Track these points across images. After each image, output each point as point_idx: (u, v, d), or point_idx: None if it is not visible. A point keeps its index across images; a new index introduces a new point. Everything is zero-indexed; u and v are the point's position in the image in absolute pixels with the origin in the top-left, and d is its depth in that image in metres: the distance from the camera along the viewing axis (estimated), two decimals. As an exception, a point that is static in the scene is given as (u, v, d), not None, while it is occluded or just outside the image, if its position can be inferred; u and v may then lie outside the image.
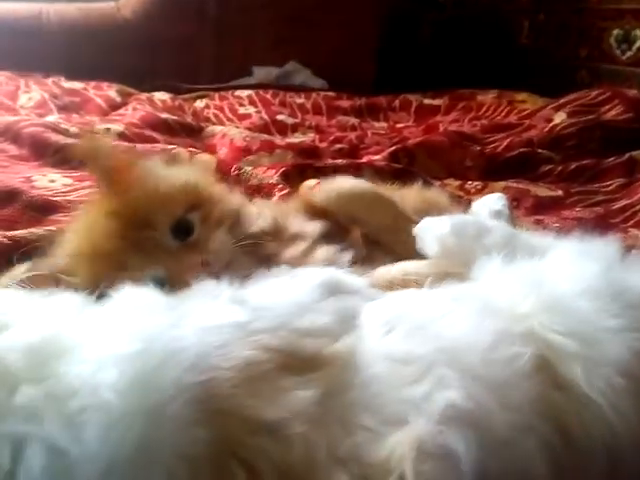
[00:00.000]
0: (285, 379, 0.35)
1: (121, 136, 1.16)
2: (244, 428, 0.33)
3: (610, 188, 1.07)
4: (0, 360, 0.33)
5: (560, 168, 1.13)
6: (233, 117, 1.53)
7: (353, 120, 1.58)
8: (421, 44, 2.11)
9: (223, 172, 0.96)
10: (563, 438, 0.36)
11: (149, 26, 1.82)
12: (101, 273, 0.46)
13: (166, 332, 0.35)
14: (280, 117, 1.50)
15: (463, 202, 0.99)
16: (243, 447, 0.32)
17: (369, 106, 1.69)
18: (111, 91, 1.49)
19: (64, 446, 0.30)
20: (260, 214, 0.58)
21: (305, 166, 1.05)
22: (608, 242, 0.49)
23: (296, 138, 1.41)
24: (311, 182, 0.96)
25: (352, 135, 1.39)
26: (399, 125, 1.59)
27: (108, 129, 1.19)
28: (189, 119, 1.41)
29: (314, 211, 0.60)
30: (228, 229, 0.52)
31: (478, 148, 1.21)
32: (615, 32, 1.72)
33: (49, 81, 1.52)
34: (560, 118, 1.28)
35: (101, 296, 0.40)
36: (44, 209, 0.72)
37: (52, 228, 0.62)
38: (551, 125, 1.26)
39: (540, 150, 1.18)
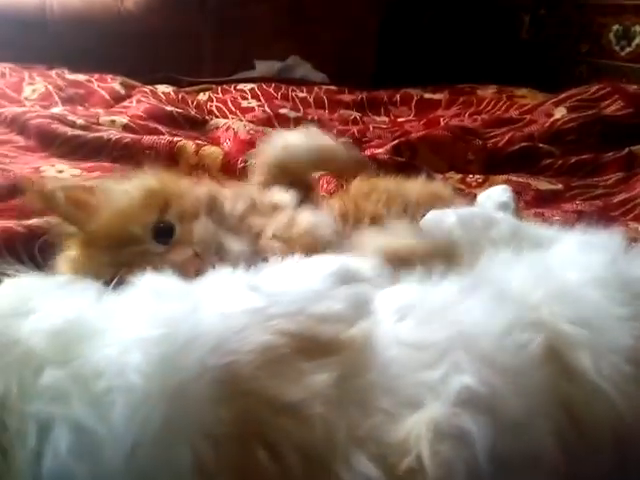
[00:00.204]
0: (303, 362, 0.36)
1: (126, 128, 1.17)
2: (265, 408, 0.34)
3: (609, 182, 1.09)
4: (25, 343, 0.34)
5: (560, 162, 1.15)
6: (236, 110, 1.53)
7: (355, 114, 1.59)
8: (421, 38, 2.11)
9: (229, 165, 0.97)
10: (573, 423, 0.37)
11: (151, 19, 1.82)
12: None
13: (187, 317, 0.36)
14: (283, 111, 1.51)
15: (465, 195, 1.01)
16: (265, 427, 0.33)
17: (370, 100, 1.69)
18: (115, 83, 1.49)
19: (91, 426, 0.31)
20: (236, 195, 0.59)
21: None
22: (612, 234, 0.50)
23: (298, 132, 1.42)
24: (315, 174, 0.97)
25: (354, 129, 1.40)
26: (400, 119, 1.60)
27: (113, 121, 1.19)
28: (193, 112, 1.41)
29: (278, 179, 0.62)
30: (207, 216, 0.52)
31: (480, 142, 1.22)
32: (615, 28, 1.73)
33: (53, 73, 1.52)
34: (560, 113, 1.29)
35: (119, 284, 0.41)
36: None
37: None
38: (552, 120, 1.27)
39: (541, 144, 1.20)
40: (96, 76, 1.54)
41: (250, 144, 1.20)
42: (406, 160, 1.12)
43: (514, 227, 0.53)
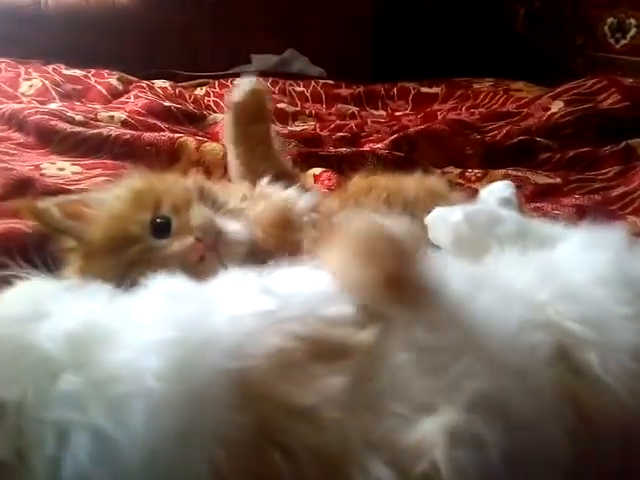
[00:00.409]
0: (315, 366, 0.36)
1: (125, 124, 1.16)
2: (280, 412, 0.34)
3: (607, 176, 1.10)
4: (41, 347, 0.34)
5: (558, 156, 1.15)
6: (233, 105, 1.53)
7: (352, 108, 1.59)
8: (417, 31, 2.11)
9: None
10: (582, 421, 0.37)
11: (147, 13, 1.81)
12: None
13: (200, 320, 0.36)
14: (281, 105, 1.51)
15: (464, 190, 1.01)
16: (279, 431, 0.33)
17: (367, 94, 1.70)
18: (112, 79, 1.49)
19: (109, 432, 0.31)
20: (226, 187, 0.62)
21: (310, 154, 1.07)
22: (615, 230, 0.50)
23: (297, 126, 1.42)
24: (316, 170, 0.97)
25: (352, 123, 1.40)
26: (398, 113, 1.60)
27: (112, 117, 1.19)
28: (190, 107, 1.41)
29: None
30: (200, 203, 0.54)
31: (478, 136, 1.22)
32: (609, 20, 1.74)
33: (49, 68, 1.51)
34: (557, 107, 1.30)
35: (129, 286, 0.42)
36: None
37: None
38: (549, 114, 1.27)
39: (538, 138, 1.20)
40: (93, 71, 1.53)
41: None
42: (405, 155, 1.13)
43: (519, 225, 0.54)
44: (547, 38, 1.91)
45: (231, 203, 0.56)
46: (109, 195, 0.53)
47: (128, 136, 1.02)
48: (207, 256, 0.48)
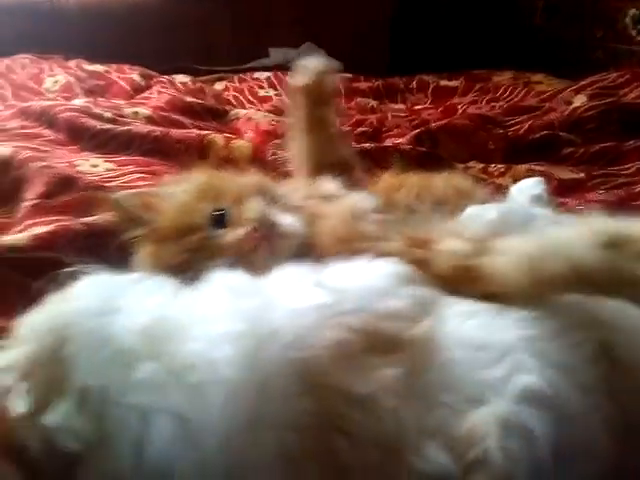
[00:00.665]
0: (371, 358, 0.38)
1: (149, 120, 1.18)
2: (340, 400, 0.36)
3: (630, 171, 1.10)
4: (118, 340, 0.36)
5: (581, 151, 1.15)
6: (253, 100, 1.54)
7: (372, 102, 1.59)
8: (434, 24, 2.11)
9: (258, 157, 0.99)
10: (623, 416, 0.39)
11: (165, 8, 1.83)
12: None
13: (262, 314, 0.38)
14: (301, 100, 1.52)
15: (487, 185, 1.02)
16: (341, 417, 0.36)
17: (387, 88, 1.70)
18: (134, 74, 1.50)
19: (188, 416, 0.33)
20: (287, 185, 0.63)
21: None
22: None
23: (317, 121, 1.43)
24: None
25: (373, 118, 1.41)
26: (417, 107, 1.60)
27: (136, 113, 1.21)
28: (212, 102, 1.42)
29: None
30: (258, 196, 0.56)
31: (500, 131, 1.23)
32: (631, 12, 1.73)
33: (71, 64, 1.53)
34: (580, 101, 1.30)
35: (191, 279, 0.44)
36: (99, 194, 0.74)
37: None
38: (572, 108, 1.27)
39: (561, 133, 1.21)
40: (114, 67, 1.54)
41: (272, 134, 1.22)
42: (428, 150, 1.14)
43: (553, 223, 0.55)
44: (566, 30, 1.91)
45: (289, 199, 0.58)
46: (177, 189, 0.57)
47: (157, 133, 1.04)
48: (260, 246, 0.51)
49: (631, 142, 1.15)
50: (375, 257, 0.45)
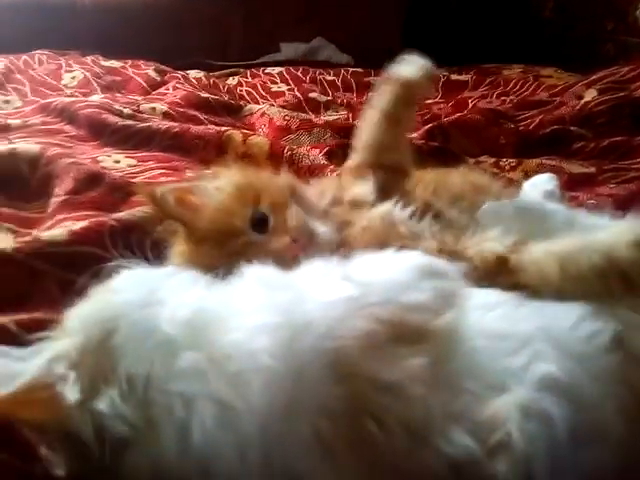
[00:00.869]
0: (398, 348, 0.40)
1: (166, 115, 1.20)
2: (370, 388, 0.38)
3: (641, 165, 1.11)
4: (162, 331, 0.39)
5: (592, 145, 1.17)
6: (266, 95, 1.56)
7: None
8: (445, 17, 2.11)
9: (275, 153, 1.00)
10: (635, 402, 0.42)
11: (179, 5, 1.84)
12: None
13: (295, 307, 0.41)
14: (312, 95, 1.53)
15: (498, 179, 1.04)
16: (371, 403, 0.38)
17: (398, 82, 1.71)
18: (149, 70, 1.52)
19: (230, 401, 0.36)
20: (318, 188, 0.64)
21: (345, 145, 1.09)
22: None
23: (329, 116, 1.45)
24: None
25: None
26: (428, 101, 1.61)
27: (153, 108, 1.23)
28: (226, 98, 1.44)
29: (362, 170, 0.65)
30: (296, 205, 0.57)
31: (512, 126, 1.24)
32: (641, 5, 1.73)
33: (88, 60, 1.55)
34: (591, 95, 1.31)
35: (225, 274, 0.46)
36: (126, 191, 0.77)
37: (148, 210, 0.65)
38: (582, 102, 1.28)
39: (572, 127, 1.22)
40: (129, 62, 1.57)
41: (286, 130, 1.24)
42: (440, 145, 1.16)
43: (569, 218, 0.57)
44: (577, 23, 1.91)
45: (320, 204, 0.60)
46: (211, 186, 0.57)
47: (177, 129, 1.06)
48: (300, 255, 0.52)
49: (642, 136, 1.16)
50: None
